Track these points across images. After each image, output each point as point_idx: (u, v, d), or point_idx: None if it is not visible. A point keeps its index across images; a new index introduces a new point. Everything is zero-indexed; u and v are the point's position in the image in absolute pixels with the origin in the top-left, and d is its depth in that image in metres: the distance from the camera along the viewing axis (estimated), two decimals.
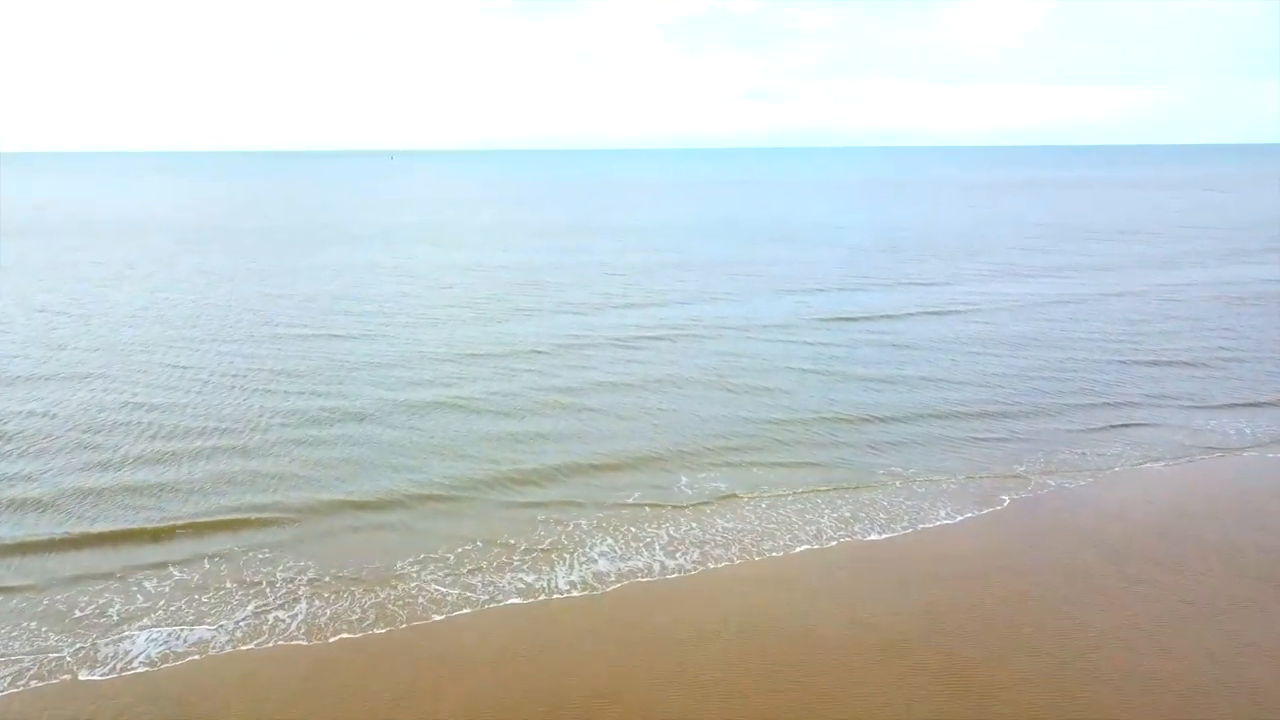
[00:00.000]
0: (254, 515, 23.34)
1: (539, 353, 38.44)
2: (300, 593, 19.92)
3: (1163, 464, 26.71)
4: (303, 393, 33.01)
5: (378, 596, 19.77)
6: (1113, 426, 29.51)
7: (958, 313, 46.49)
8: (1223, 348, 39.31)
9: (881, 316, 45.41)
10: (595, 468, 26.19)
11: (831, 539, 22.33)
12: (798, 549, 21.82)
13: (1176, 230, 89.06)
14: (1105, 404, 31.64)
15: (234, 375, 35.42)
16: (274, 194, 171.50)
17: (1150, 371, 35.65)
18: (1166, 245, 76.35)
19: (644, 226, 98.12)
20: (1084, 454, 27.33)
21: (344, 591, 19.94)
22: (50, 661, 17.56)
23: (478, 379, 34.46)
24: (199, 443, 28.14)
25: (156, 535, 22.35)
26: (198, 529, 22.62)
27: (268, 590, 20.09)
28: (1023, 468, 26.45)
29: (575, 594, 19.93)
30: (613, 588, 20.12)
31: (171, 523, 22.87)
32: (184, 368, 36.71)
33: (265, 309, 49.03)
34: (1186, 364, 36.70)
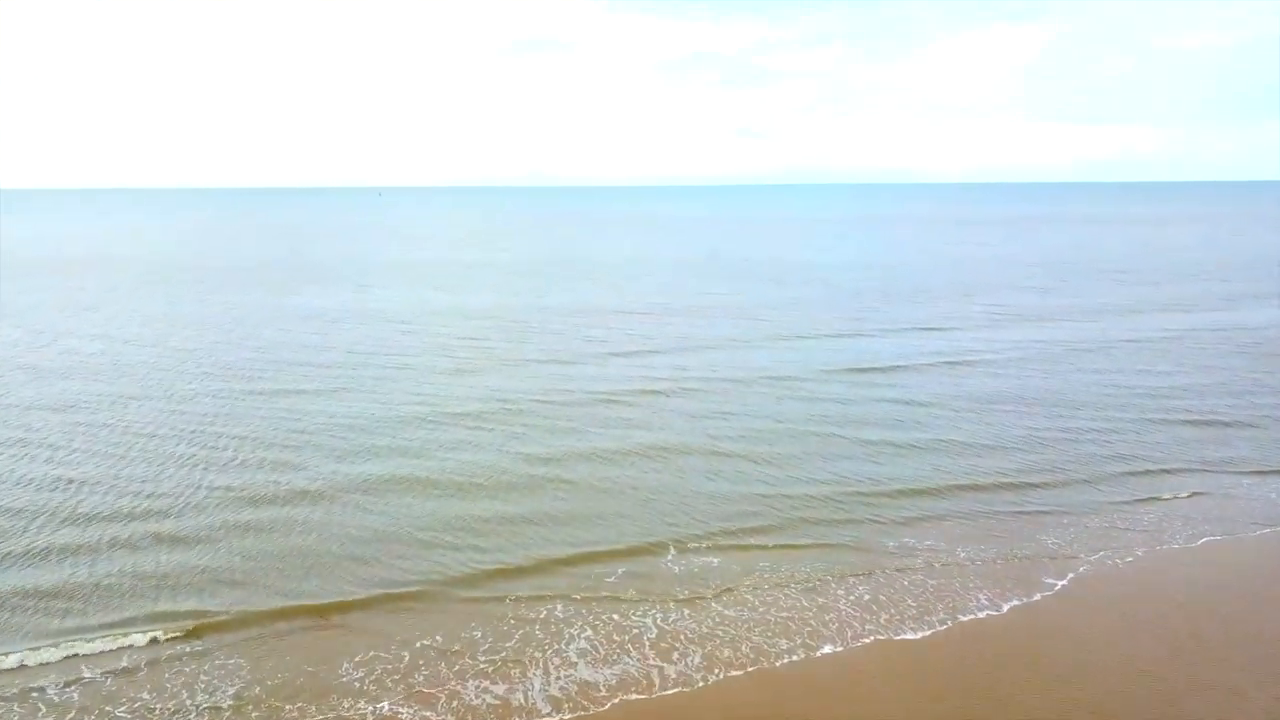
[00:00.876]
0: (180, 617, 20.03)
1: (515, 412, 35.08)
2: (225, 713, 16.71)
3: (1219, 539, 23.81)
4: (249, 463, 29.47)
5: (313, 718, 16.55)
6: (1157, 498, 26.55)
7: (966, 364, 43.54)
8: (1256, 404, 36.41)
9: (884, 368, 42.39)
10: (575, 556, 22.91)
11: (860, 636, 19.28)
12: (821, 650, 18.74)
13: (1172, 269, 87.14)
14: (1144, 471, 28.69)
15: (176, 440, 31.82)
16: (257, 231, 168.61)
17: (1184, 432, 32.66)
18: (1166, 286, 74.15)
19: (630, 265, 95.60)
20: (1130, 529, 24.43)
21: (276, 710, 16.72)
22: None
23: (445, 445, 31.01)
24: (123, 529, 24.53)
25: (68, 642, 19.06)
26: (115, 634, 19.34)
27: (189, 706, 16.90)
28: (1061, 544, 23.54)
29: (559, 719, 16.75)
30: (605, 706, 16.96)
31: (84, 627, 19.61)
32: (120, 430, 33.11)
33: (223, 357, 45.85)
34: (1223, 423, 33.70)
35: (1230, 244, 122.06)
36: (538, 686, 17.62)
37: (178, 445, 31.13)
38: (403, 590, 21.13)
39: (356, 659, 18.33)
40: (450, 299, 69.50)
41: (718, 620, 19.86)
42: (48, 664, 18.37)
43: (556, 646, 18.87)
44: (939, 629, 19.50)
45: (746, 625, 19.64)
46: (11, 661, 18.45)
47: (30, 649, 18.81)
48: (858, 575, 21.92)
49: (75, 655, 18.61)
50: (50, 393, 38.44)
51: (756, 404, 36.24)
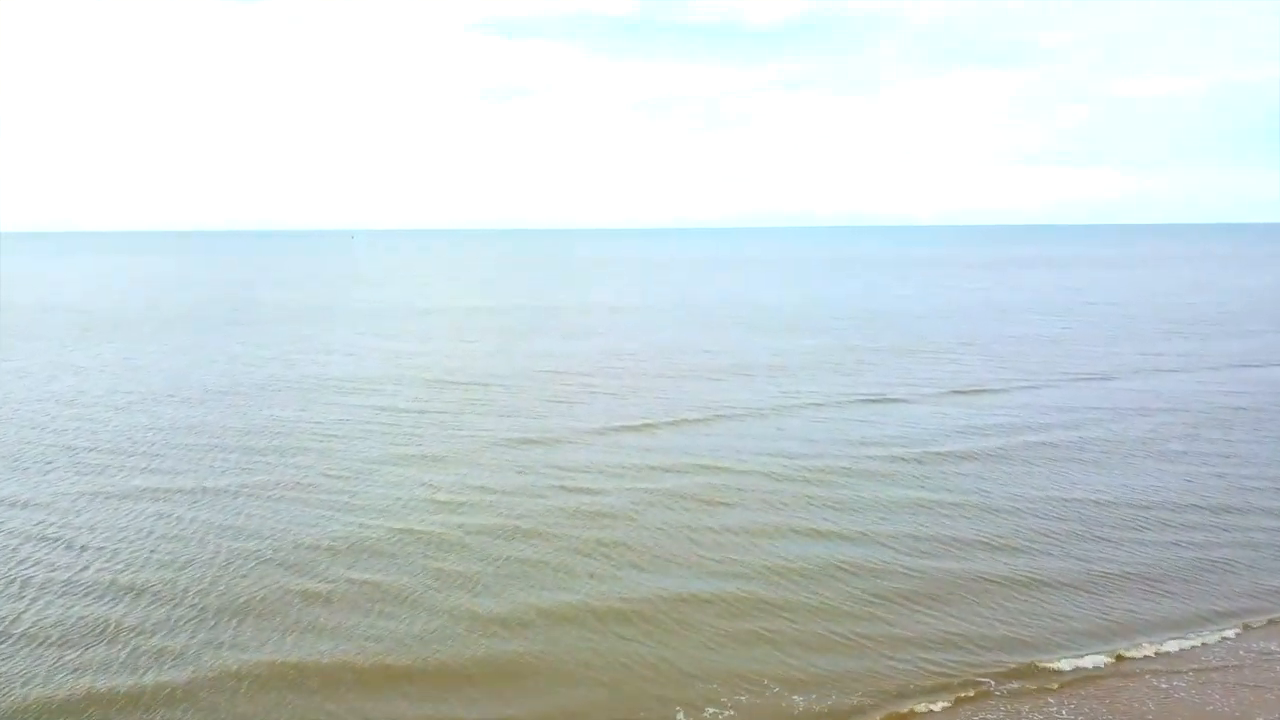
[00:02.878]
0: None
1: (463, 531, 25.76)
2: None
3: None
4: (74, 632, 20.14)
5: None
6: None
7: (1023, 446, 34.49)
8: None
9: (926, 454, 33.54)
10: None
11: None
12: None
13: (1191, 316, 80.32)
14: None
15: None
16: (211, 276, 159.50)
17: None
18: (1193, 338, 66.88)
19: (609, 313, 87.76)
20: None
21: None
22: None
23: (366, 596, 21.69)
24: None
25: None
26: None
27: None
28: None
29: None
30: None
31: None
32: None
33: (108, 430, 37.47)
34: None
35: (1239, 287, 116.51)
36: None
37: None
38: None
39: None
40: (401, 349, 61.44)
41: None
42: None
43: None
44: None
45: None
46: None
47: None
48: None
49: None
50: None
51: (775, 510, 27.82)
